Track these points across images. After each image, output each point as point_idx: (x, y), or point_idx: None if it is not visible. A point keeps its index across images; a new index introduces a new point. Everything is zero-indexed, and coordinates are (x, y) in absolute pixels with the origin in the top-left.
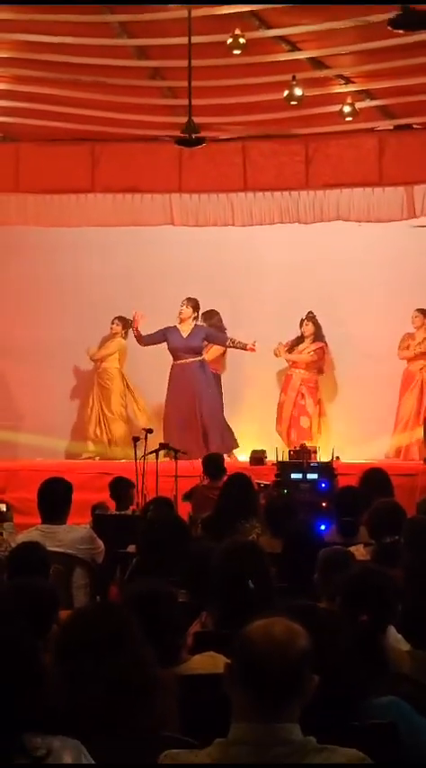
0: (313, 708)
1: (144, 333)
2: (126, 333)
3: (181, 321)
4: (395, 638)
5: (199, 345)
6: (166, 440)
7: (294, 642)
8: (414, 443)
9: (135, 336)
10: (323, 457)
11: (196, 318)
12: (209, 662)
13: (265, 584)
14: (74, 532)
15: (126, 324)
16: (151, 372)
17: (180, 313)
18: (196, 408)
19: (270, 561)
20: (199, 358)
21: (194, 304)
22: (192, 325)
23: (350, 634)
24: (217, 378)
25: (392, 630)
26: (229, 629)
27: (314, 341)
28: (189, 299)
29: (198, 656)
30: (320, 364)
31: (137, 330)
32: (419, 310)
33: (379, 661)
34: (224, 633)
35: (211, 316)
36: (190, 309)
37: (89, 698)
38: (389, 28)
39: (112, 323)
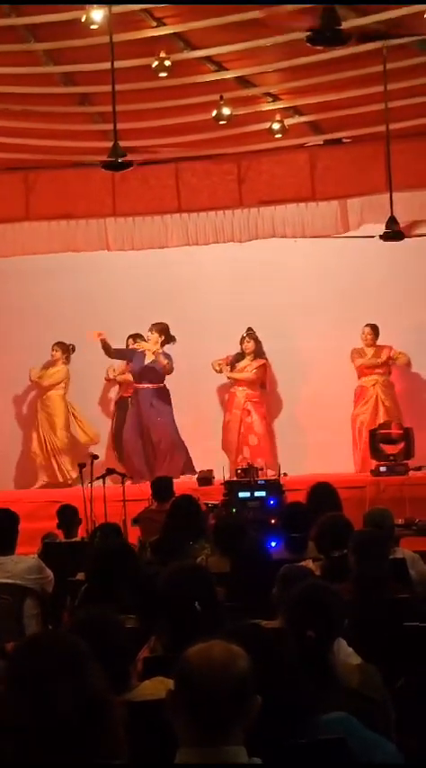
0: (259, 728)
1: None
2: (67, 358)
3: (150, 349)
4: (346, 652)
5: (160, 372)
6: (123, 463)
7: (233, 664)
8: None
9: (103, 347)
10: (271, 474)
11: (165, 343)
12: (159, 687)
13: (212, 605)
14: (22, 563)
15: (65, 349)
16: (95, 398)
17: (153, 342)
18: (150, 432)
19: (220, 581)
20: (160, 385)
21: (159, 329)
22: (160, 353)
23: (297, 650)
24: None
25: (342, 644)
26: (178, 652)
27: (254, 358)
28: (154, 325)
29: (147, 682)
30: (263, 380)
31: (105, 341)
32: (369, 326)
33: (327, 676)
34: (172, 657)
35: (139, 338)
36: (156, 335)
37: (42, 729)
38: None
39: (53, 349)
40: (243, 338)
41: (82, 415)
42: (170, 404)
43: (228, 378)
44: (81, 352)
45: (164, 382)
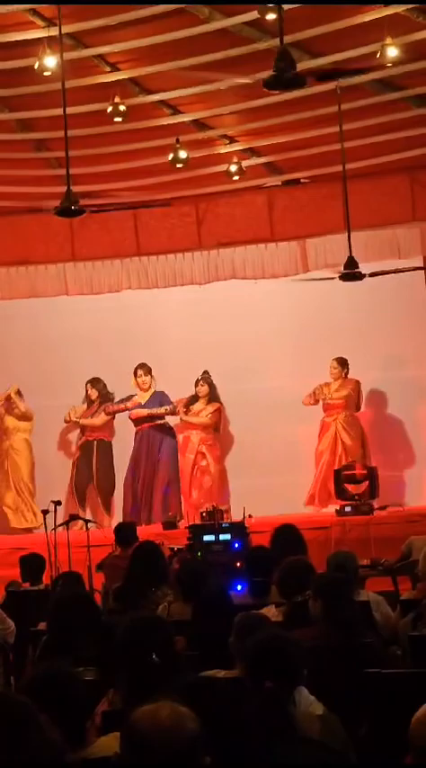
0: None
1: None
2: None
3: (140, 389)
4: (307, 701)
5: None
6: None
7: (181, 726)
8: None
9: (106, 412)
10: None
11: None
12: (115, 744)
13: (170, 656)
14: None
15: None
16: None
17: (142, 383)
18: (150, 475)
19: (181, 629)
20: (159, 422)
21: (147, 370)
22: (151, 392)
23: (255, 701)
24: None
25: (304, 693)
26: (136, 706)
27: (209, 401)
28: (142, 366)
29: (103, 738)
30: (217, 424)
31: (122, 410)
32: (337, 360)
33: (286, 727)
34: (131, 711)
35: (97, 382)
36: (149, 377)
37: None
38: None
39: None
40: (197, 381)
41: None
42: (175, 439)
43: (183, 420)
44: (37, 396)
45: (165, 419)
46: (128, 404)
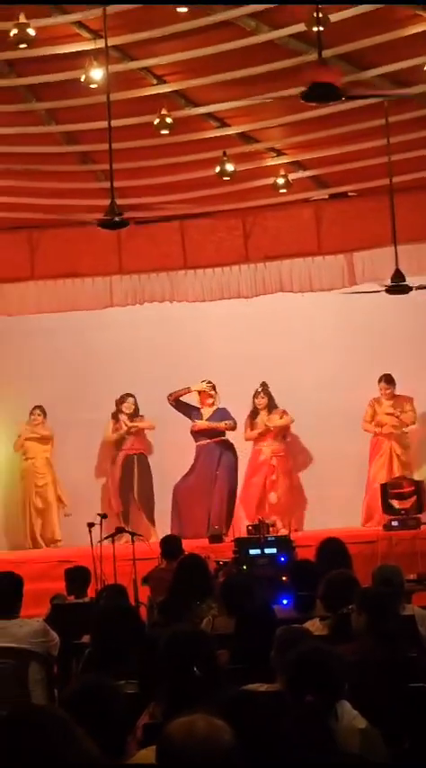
0: None
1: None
2: (44, 418)
3: (204, 405)
4: (350, 715)
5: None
6: (177, 518)
7: (216, 739)
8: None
9: (175, 394)
10: (283, 530)
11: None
12: (154, 756)
13: (212, 670)
14: (26, 626)
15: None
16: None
17: (209, 397)
18: (209, 489)
19: (225, 643)
20: (218, 438)
21: (212, 386)
22: (214, 408)
23: (295, 715)
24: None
25: (346, 707)
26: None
27: (271, 411)
28: (210, 383)
29: (143, 751)
30: (285, 431)
31: (185, 392)
32: (383, 378)
33: (326, 741)
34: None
35: (124, 399)
36: (214, 392)
37: None
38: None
39: (32, 414)
40: (256, 393)
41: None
42: (236, 455)
43: (248, 438)
44: (78, 410)
45: (226, 435)
46: (194, 412)
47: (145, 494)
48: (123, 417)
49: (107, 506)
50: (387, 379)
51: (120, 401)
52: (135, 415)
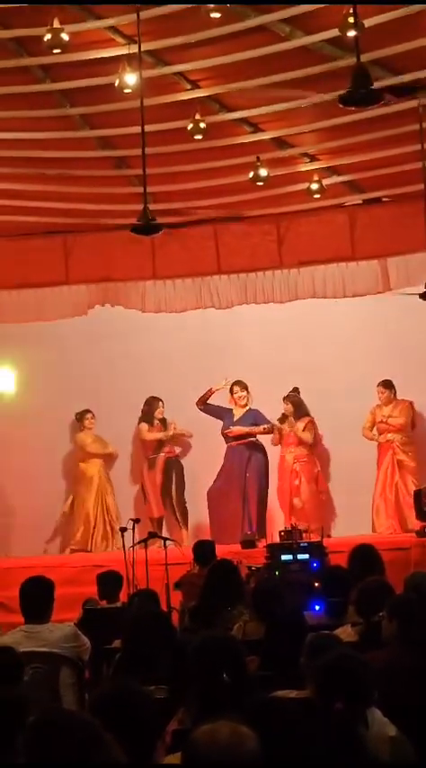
0: None
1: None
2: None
3: (237, 405)
4: (381, 723)
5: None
6: (211, 521)
7: (240, 745)
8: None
9: (202, 397)
10: (314, 535)
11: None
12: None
13: (241, 676)
14: (58, 631)
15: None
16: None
17: (239, 398)
18: (239, 492)
19: (256, 649)
20: (250, 439)
21: (244, 386)
22: (246, 409)
23: (324, 722)
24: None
25: (376, 714)
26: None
27: (298, 418)
28: (239, 383)
29: (171, 756)
30: (312, 439)
31: (209, 394)
32: (381, 384)
33: (356, 749)
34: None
35: (156, 404)
36: (245, 393)
37: None
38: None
39: (86, 416)
40: (284, 398)
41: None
42: (266, 456)
43: (273, 443)
44: (112, 414)
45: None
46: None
47: (180, 498)
48: (157, 423)
49: (142, 510)
50: (385, 384)
51: (152, 405)
52: (165, 419)
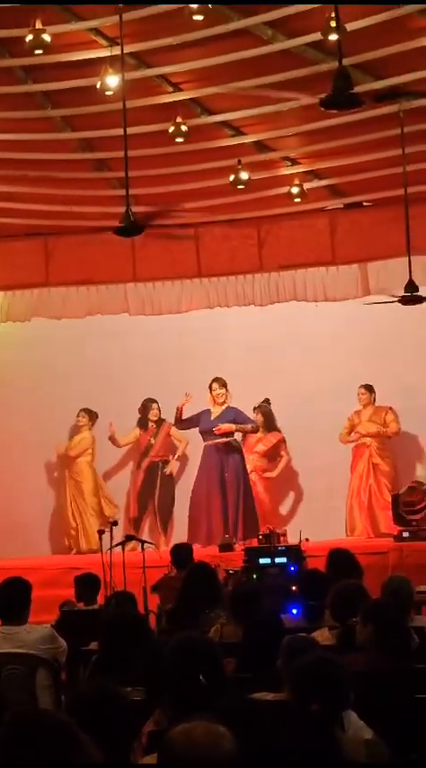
0: None
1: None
2: (92, 425)
3: (215, 403)
4: (357, 726)
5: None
6: (191, 522)
7: (216, 746)
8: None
9: (175, 418)
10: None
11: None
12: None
13: (218, 678)
14: (34, 632)
15: (91, 416)
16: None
17: (218, 396)
18: (219, 492)
19: (233, 651)
20: (226, 440)
21: (222, 383)
22: (224, 407)
23: (300, 725)
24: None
25: (352, 717)
26: None
27: (268, 431)
28: (217, 380)
29: (147, 758)
30: (272, 454)
31: (180, 412)
32: (363, 386)
33: (331, 751)
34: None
35: (149, 406)
36: (224, 390)
37: None
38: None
39: (78, 415)
40: (254, 409)
41: (106, 486)
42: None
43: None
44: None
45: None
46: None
47: (164, 501)
48: (151, 425)
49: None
50: (367, 387)
51: (146, 408)
52: (161, 420)
